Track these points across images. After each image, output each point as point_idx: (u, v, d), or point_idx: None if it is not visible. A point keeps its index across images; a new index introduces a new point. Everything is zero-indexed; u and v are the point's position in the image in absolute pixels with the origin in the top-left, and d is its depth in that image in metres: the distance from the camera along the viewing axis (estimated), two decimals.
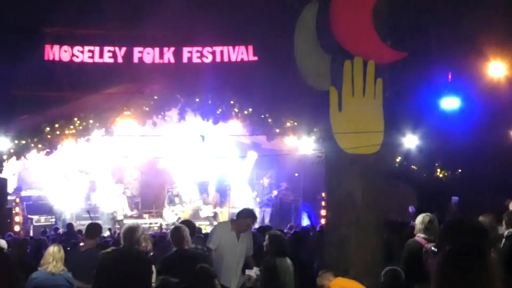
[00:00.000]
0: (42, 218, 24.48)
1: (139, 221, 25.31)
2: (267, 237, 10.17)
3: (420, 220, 9.99)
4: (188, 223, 11.19)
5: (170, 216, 24.93)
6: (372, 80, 10.84)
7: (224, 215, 26.04)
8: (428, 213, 10.06)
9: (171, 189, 25.91)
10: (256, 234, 13.01)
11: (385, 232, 11.52)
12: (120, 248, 8.58)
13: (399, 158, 21.62)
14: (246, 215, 11.72)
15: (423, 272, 8.43)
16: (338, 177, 11.25)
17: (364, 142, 10.72)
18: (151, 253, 10.28)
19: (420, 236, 9.83)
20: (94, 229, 11.60)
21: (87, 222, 15.56)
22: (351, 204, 10.86)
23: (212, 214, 25.53)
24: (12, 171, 24.00)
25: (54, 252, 9.56)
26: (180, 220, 24.13)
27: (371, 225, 10.82)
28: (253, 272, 10.54)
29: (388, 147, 11.82)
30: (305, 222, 24.05)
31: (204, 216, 25.44)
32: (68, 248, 13.32)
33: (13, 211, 22.58)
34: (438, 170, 22.17)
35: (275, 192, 25.36)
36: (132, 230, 9.21)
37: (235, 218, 12.05)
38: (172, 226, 9.81)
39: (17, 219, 22.90)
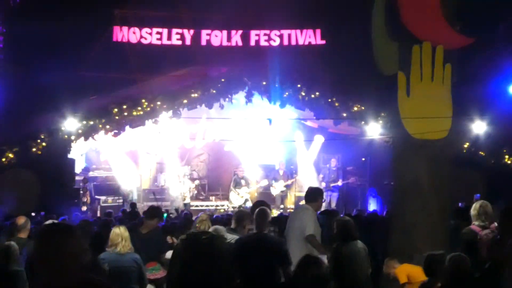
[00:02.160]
0: (110, 199, 24.72)
1: (206, 203, 25.63)
2: (334, 224, 10.08)
3: (473, 207, 9.90)
4: (264, 203, 11.10)
5: (236, 199, 24.99)
6: (440, 65, 10.79)
7: (290, 198, 26.03)
8: (482, 200, 10.00)
9: (237, 172, 25.94)
10: (319, 217, 12.90)
11: (451, 219, 11.44)
12: (193, 233, 8.66)
13: (467, 144, 21.34)
14: (318, 195, 11.78)
15: (480, 260, 8.36)
16: (405, 163, 11.24)
17: (432, 128, 10.68)
18: None
19: (475, 224, 9.73)
20: (153, 210, 11.65)
21: (154, 203, 15.74)
22: (418, 190, 10.83)
23: (285, 189, 25.40)
24: (80, 151, 24.42)
25: (121, 231, 9.56)
26: (246, 202, 24.28)
27: (438, 212, 10.77)
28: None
29: (456, 132, 11.75)
30: (372, 207, 23.95)
31: (276, 194, 25.30)
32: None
33: (80, 192, 22.90)
34: (506, 156, 21.79)
35: (339, 183, 25.20)
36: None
37: (303, 199, 12.06)
38: (258, 209, 9.71)
39: (84, 199, 23.26)
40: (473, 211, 9.83)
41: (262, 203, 11.41)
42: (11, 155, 19.74)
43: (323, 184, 24.98)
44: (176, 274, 8.26)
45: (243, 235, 9.74)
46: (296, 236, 10.96)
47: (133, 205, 20.84)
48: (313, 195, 11.63)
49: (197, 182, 26.13)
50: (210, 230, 9.11)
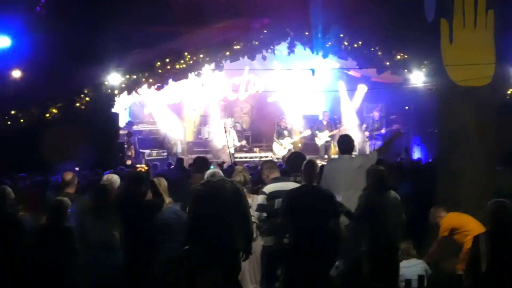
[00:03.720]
0: (154, 152, 24.85)
1: (250, 155, 25.73)
2: (367, 173, 9.73)
3: None
4: (300, 155, 10.84)
5: (280, 150, 24.96)
6: (483, 12, 10.71)
7: (334, 149, 25.89)
8: None
9: (280, 123, 25.84)
10: None
11: (498, 165, 11.39)
12: (212, 180, 8.72)
13: (511, 90, 21.09)
14: (353, 144, 11.18)
15: None
16: (450, 110, 11.22)
17: (475, 74, 10.63)
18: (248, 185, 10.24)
19: None
20: (201, 163, 11.61)
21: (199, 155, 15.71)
22: (463, 137, 10.81)
23: (329, 139, 25.32)
24: (123, 106, 24.65)
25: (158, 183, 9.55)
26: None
27: (484, 158, 10.76)
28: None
29: (499, 79, 11.66)
30: (416, 155, 23.87)
31: (321, 144, 25.22)
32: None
33: (125, 146, 23.12)
34: None
35: (383, 131, 25.02)
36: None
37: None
38: (306, 160, 9.43)
39: (129, 153, 23.41)
40: None
41: (298, 154, 11.15)
42: (55, 111, 19.87)
43: (367, 133, 24.97)
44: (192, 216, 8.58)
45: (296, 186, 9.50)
46: (354, 187, 9.99)
47: (180, 160, 20.64)
48: (350, 144, 10.95)
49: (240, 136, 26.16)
50: (207, 173, 9.04)
